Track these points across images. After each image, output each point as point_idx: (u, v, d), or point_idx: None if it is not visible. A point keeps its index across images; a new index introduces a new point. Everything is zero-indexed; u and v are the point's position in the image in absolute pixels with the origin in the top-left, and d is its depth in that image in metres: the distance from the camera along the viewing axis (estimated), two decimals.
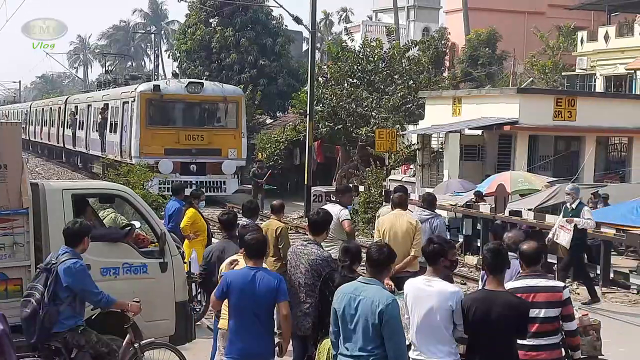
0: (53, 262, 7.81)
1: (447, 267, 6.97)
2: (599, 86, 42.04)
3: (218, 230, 14.81)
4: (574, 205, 15.98)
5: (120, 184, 15.33)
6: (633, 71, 40.40)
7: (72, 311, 7.85)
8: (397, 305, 6.47)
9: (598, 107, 24.54)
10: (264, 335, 7.41)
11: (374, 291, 6.43)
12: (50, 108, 51.46)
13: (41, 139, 53.96)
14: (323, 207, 11.09)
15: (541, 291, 7.22)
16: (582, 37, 45.16)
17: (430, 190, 21.10)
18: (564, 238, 15.22)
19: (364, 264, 7.12)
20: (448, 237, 19.55)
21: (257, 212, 11.86)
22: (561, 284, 7.67)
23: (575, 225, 15.29)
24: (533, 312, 6.98)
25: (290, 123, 39.17)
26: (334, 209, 11.23)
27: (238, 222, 10.41)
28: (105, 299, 7.94)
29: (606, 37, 43.01)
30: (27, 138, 55.23)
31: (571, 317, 7.38)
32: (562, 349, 7.41)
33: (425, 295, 6.73)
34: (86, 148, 39.17)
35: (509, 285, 7.08)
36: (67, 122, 44.22)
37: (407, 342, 6.75)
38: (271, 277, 7.43)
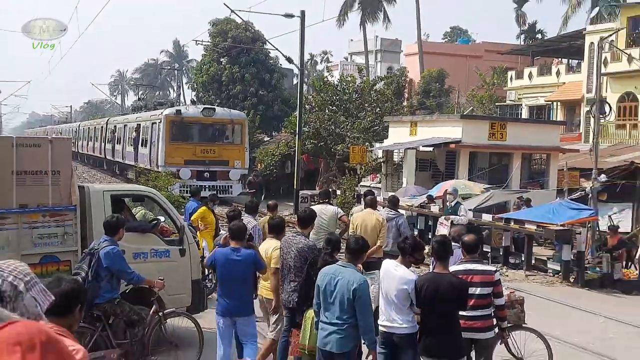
0: (95, 248, 7.78)
1: (411, 262, 6.98)
2: (525, 114, 42.31)
3: (226, 224, 14.74)
4: (452, 204, 16.20)
5: (149, 187, 15.25)
6: (551, 102, 40.77)
7: (110, 287, 7.82)
8: (368, 285, 6.48)
9: (523, 130, 24.63)
10: (243, 297, 7.68)
11: (349, 273, 6.44)
12: (95, 127, 51.14)
13: (87, 151, 53.55)
14: (318, 206, 11.14)
15: (477, 273, 7.25)
16: (511, 75, 45.44)
17: (393, 193, 21.13)
18: (443, 232, 15.29)
19: (342, 251, 7.13)
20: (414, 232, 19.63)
21: (257, 210, 11.88)
22: (494, 268, 7.68)
23: (452, 221, 15.48)
24: (471, 290, 7.01)
25: (283, 140, 39.08)
26: (329, 207, 11.42)
27: (241, 218, 10.38)
28: (136, 277, 7.93)
29: (530, 76, 43.30)
30: (76, 151, 54.76)
31: (500, 294, 7.41)
32: (493, 319, 7.45)
33: (391, 276, 6.79)
34: (122, 159, 38.92)
35: (452, 268, 7.10)
36: (108, 138, 43.96)
37: (374, 308, 6.78)
38: (248, 253, 7.58)
